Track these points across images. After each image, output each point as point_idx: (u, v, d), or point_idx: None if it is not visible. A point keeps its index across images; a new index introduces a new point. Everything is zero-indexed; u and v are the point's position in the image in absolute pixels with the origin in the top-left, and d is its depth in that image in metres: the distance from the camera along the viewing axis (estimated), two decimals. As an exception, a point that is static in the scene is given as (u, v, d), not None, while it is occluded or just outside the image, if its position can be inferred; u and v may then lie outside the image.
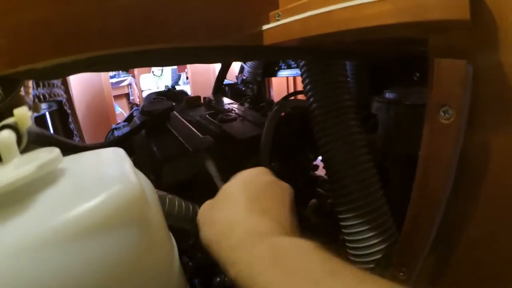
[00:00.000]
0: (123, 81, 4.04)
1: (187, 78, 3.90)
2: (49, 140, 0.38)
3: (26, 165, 0.22)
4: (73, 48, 0.42)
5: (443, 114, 0.34)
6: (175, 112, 0.98)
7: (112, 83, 3.39)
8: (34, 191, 0.22)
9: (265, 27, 0.49)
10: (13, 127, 0.27)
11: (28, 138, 0.32)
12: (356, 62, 0.96)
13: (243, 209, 0.35)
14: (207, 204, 0.41)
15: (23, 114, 0.28)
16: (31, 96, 0.72)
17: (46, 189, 0.22)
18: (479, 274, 0.41)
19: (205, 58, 0.57)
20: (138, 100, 3.95)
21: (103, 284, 0.19)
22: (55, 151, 0.25)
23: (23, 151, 0.28)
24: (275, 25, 0.48)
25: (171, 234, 0.35)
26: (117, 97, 3.76)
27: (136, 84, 4.19)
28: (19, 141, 0.28)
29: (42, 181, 0.22)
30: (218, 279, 0.66)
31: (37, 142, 0.38)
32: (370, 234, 0.65)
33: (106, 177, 0.24)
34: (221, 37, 0.48)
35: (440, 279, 0.45)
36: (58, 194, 0.22)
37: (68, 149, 0.39)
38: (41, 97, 0.93)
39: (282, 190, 0.41)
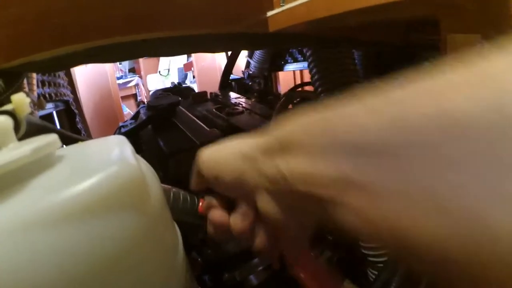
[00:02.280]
0: (130, 81, 4.06)
1: (193, 76, 3.90)
2: (52, 132, 0.37)
3: (21, 149, 0.21)
4: (72, 39, 0.41)
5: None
6: (181, 108, 0.98)
7: (119, 84, 3.40)
8: (31, 174, 0.21)
9: (269, 13, 0.48)
10: (10, 113, 0.26)
11: (31, 129, 0.31)
12: (362, 51, 0.94)
13: None
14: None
15: (20, 100, 0.27)
16: (35, 93, 0.72)
17: (43, 173, 0.21)
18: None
19: (210, 46, 0.56)
20: (145, 100, 3.96)
21: (99, 266, 0.18)
22: (52, 136, 0.24)
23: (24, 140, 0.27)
24: (279, 11, 0.46)
25: (176, 225, 0.34)
26: (124, 97, 3.78)
27: (143, 85, 4.21)
28: (17, 128, 0.27)
29: (38, 165, 0.21)
30: (227, 274, 0.65)
31: (40, 134, 0.36)
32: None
33: (104, 160, 0.23)
34: (225, 25, 0.47)
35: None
36: (54, 176, 0.21)
37: (72, 142, 0.39)
38: (47, 96, 0.93)
39: None
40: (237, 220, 0.31)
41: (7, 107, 0.27)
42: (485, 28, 0.31)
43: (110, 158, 0.23)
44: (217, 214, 0.33)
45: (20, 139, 0.27)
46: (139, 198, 0.22)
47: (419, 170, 0.16)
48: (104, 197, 0.19)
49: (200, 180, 0.34)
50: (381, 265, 0.61)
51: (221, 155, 0.31)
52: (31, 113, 0.57)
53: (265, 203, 0.27)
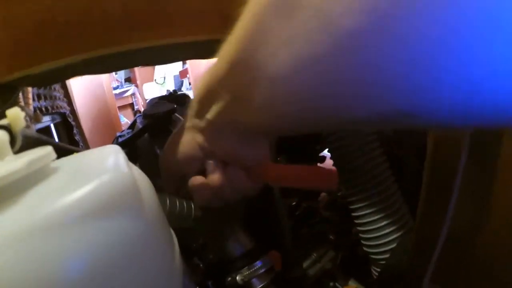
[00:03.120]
0: (126, 91, 4.07)
1: (189, 83, 3.91)
2: (48, 144, 0.37)
3: (16, 162, 0.21)
4: (69, 50, 0.41)
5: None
6: (177, 115, 0.98)
7: (115, 94, 3.41)
8: (26, 187, 0.21)
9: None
10: (5, 128, 0.26)
11: (27, 143, 0.31)
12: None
13: None
14: None
15: (15, 114, 0.27)
16: (31, 107, 0.72)
17: (38, 184, 0.22)
18: (502, 270, 0.40)
19: (207, 52, 0.56)
20: (142, 109, 3.96)
21: (94, 272, 0.18)
22: (47, 149, 0.24)
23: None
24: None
25: (171, 231, 0.34)
26: (121, 107, 3.79)
27: (139, 94, 4.21)
28: (13, 142, 0.27)
29: (34, 177, 0.22)
30: (230, 278, 0.65)
31: (36, 146, 0.37)
32: (384, 223, 0.63)
33: (98, 168, 0.23)
34: (221, 31, 0.47)
35: (461, 271, 0.44)
36: (49, 187, 0.21)
37: (68, 154, 0.39)
38: (43, 109, 0.93)
39: None
40: (213, 176, 0.38)
41: (3, 122, 0.27)
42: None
43: (103, 167, 0.23)
44: (196, 179, 0.39)
45: (16, 152, 0.27)
46: (132, 205, 0.22)
47: None
48: (97, 204, 0.19)
49: (172, 183, 0.40)
50: (384, 262, 0.62)
51: (178, 154, 0.38)
52: (28, 127, 0.57)
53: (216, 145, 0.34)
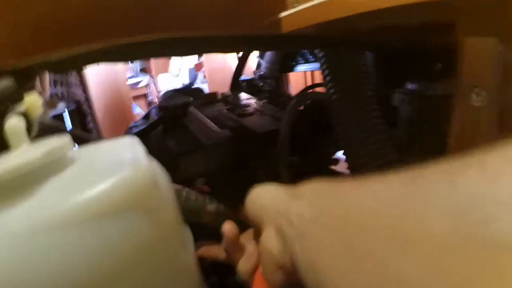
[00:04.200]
0: (140, 81, 4.08)
1: (204, 77, 3.91)
2: (64, 132, 0.37)
3: (34, 151, 0.21)
4: (86, 38, 0.41)
5: (475, 96, 0.32)
6: (192, 108, 0.97)
7: (130, 84, 3.42)
8: (44, 177, 0.21)
9: (282, 14, 0.48)
10: (23, 114, 0.26)
11: (43, 130, 0.31)
12: (375, 53, 0.93)
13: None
14: None
15: (33, 101, 0.27)
16: (48, 93, 0.72)
17: (56, 175, 0.21)
18: None
19: (221, 47, 0.55)
20: (156, 100, 3.97)
21: (110, 269, 0.18)
22: (65, 139, 0.24)
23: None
24: (292, 12, 0.46)
25: (187, 227, 0.34)
26: (135, 97, 3.79)
27: (154, 84, 4.22)
28: (29, 128, 0.27)
29: (52, 168, 0.21)
30: (236, 275, 0.64)
31: (52, 134, 0.36)
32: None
33: (117, 163, 0.23)
34: (237, 26, 0.47)
35: None
36: (68, 180, 0.21)
37: (83, 143, 0.39)
38: (59, 95, 0.94)
39: None
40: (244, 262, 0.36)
41: (20, 108, 0.27)
42: (503, 32, 0.31)
43: (122, 162, 0.23)
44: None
45: (32, 139, 0.27)
46: (151, 202, 0.21)
47: None
48: (117, 201, 0.19)
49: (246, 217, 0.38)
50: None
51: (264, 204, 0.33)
52: (44, 113, 0.57)
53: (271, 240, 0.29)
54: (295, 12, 0.45)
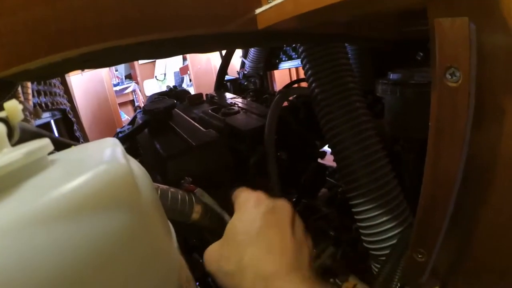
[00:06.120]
0: (126, 88, 4.06)
1: (190, 80, 3.90)
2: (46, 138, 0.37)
3: (13, 153, 0.21)
4: (67, 45, 0.41)
5: (449, 77, 0.32)
6: (177, 110, 0.98)
7: (116, 91, 3.40)
8: (24, 177, 0.21)
9: (258, 10, 0.48)
10: (3, 120, 0.26)
11: (25, 136, 0.31)
12: (356, 46, 0.94)
13: (251, 251, 0.38)
14: (214, 246, 0.43)
15: (13, 107, 0.27)
16: (31, 103, 0.72)
17: (36, 175, 0.22)
18: (499, 262, 0.40)
19: (205, 46, 0.56)
20: (143, 105, 3.95)
21: (90, 263, 0.18)
22: (45, 141, 0.24)
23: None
24: (267, 7, 0.46)
25: (170, 224, 0.34)
26: (122, 104, 3.78)
27: (140, 90, 4.21)
28: (10, 134, 0.27)
29: (31, 168, 0.22)
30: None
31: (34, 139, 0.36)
32: (384, 219, 0.63)
33: (95, 159, 0.23)
34: (217, 25, 0.47)
35: (460, 265, 0.43)
36: (46, 178, 0.21)
37: (66, 147, 0.39)
38: (43, 105, 0.93)
39: (282, 215, 0.43)
40: None
41: (0, 114, 0.27)
42: (474, 11, 0.31)
43: (100, 158, 0.23)
44: None
45: (14, 145, 0.27)
46: (128, 196, 0.22)
47: None
48: (94, 195, 0.19)
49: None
50: (384, 258, 0.61)
51: None
52: (27, 122, 0.57)
53: None
54: (269, 8, 0.46)
